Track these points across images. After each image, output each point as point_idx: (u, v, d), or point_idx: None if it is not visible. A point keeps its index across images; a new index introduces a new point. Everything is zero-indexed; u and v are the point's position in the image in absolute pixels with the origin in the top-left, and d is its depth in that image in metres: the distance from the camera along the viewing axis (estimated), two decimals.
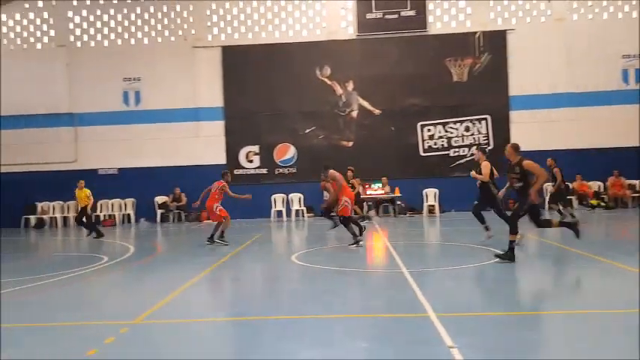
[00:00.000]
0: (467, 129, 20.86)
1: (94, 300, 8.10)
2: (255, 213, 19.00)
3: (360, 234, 12.38)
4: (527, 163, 9.11)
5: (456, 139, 20.88)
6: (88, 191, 15.86)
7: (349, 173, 18.04)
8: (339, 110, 21.15)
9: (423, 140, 20.95)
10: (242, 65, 21.00)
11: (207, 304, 7.74)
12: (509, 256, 9.14)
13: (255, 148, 21.13)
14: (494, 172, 11.68)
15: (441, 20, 21.27)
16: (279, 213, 19.96)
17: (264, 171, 20.89)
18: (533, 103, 20.57)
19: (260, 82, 20.96)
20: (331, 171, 12.39)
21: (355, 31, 21.18)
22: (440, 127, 20.91)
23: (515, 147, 9.48)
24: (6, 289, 8.80)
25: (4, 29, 21.72)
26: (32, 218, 20.70)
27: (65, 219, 20.89)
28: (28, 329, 6.44)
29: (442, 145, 20.92)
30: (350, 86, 21.13)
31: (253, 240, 13.99)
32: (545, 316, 6.30)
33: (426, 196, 20.37)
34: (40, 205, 21.00)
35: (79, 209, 16.20)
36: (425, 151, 20.65)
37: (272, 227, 17.30)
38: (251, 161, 21.11)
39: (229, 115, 21.12)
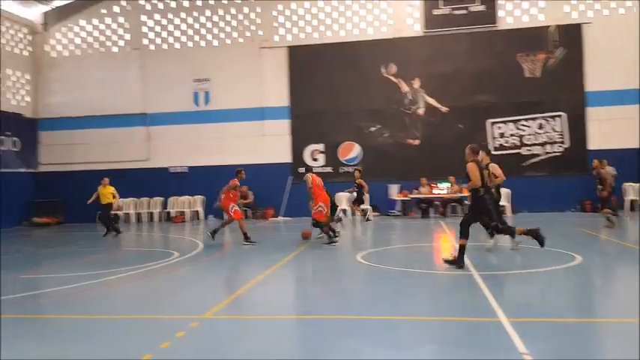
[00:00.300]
0: (540, 126, 20.08)
1: (166, 294, 8.34)
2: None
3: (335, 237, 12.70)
4: (468, 166, 8.87)
5: (529, 137, 20.15)
6: (112, 189, 16.29)
7: (357, 173, 18.22)
8: (405, 108, 20.88)
9: (493, 138, 20.34)
10: (308, 64, 21.12)
11: (273, 302, 7.80)
12: (458, 261, 8.93)
13: (320, 147, 21.21)
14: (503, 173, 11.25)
15: (512, 14, 20.58)
16: (344, 212, 19.89)
17: (328, 169, 20.92)
18: (611, 100, 19.53)
19: (325, 80, 21.01)
20: (307, 175, 13.02)
21: (422, 28, 20.84)
22: (511, 124, 20.23)
23: (472, 149, 9.16)
24: (83, 282, 9.22)
25: (84, 34, 22.80)
26: None
27: (138, 215, 21.71)
28: (105, 321, 6.71)
29: (513, 143, 20.23)
30: (416, 84, 20.81)
31: (318, 238, 14.01)
32: (623, 324, 5.94)
33: None
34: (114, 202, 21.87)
35: (103, 206, 16.29)
36: (495, 149, 20.04)
37: (336, 226, 17.24)
38: (316, 159, 21.20)
39: (295, 113, 21.30)
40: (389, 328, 5.91)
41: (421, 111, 20.85)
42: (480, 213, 9.13)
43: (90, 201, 16.13)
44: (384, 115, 20.83)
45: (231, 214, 13.46)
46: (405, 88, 20.86)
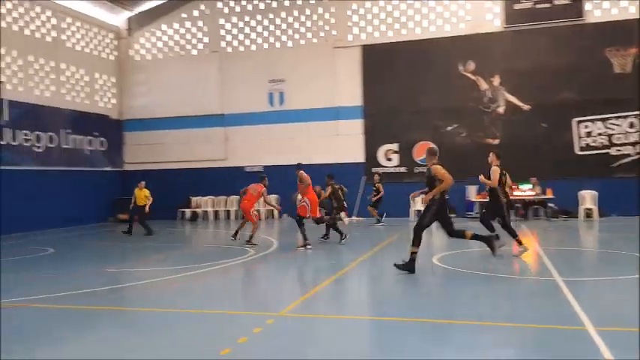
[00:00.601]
0: (631, 125, 18.87)
1: (243, 291, 8.46)
2: (394, 212, 18.72)
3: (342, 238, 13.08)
4: (434, 168, 8.61)
5: (618, 136, 18.97)
6: (147, 191, 16.70)
7: (376, 177, 18.43)
8: (484, 106, 20.23)
9: (580, 137, 19.30)
10: (382, 63, 20.91)
11: (349, 302, 7.73)
12: (408, 267, 8.79)
13: (395, 147, 20.92)
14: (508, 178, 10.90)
15: (600, 7, 19.47)
16: (419, 212, 19.42)
17: (403, 169, 20.60)
18: None
19: (400, 79, 20.71)
20: (300, 172, 13.10)
21: (502, 23, 20.12)
22: (599, 123, 19.12)
23: (431, 150, 9.02)
24: (164, 277, 9.51)
25: (165, 38, 23.69)
26: (187, 211, 22.36)
27: (216, 213, 22.28)
28: (184, 315, 6.86)
29: (602, 143, 19.11)
30: (496, 81, 20.12)
31: (393, 239, 13.81)
32: None
33: (582, 198, 18.74)
34: (193, 200, 22.63)
35: (137, 207, 16.63)
36: (581, 149, 19.01)
37: (411, 227, 16.95)
38: (390, 160, 20.94)
39: (368, 113, 21.13)
40: (468, 333, 5.69)
41: (501, 109, 20.12)
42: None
43: (131, 205, 16.74)
44: (462, 114, 20.26)
45: (252, 217, 13.77)
46: (483, 85, 20.21)
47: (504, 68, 19.89)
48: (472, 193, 19.62)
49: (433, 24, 20.86)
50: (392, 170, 20.73)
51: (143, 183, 16.90)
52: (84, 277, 9.67)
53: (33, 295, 7.97)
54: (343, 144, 21.25)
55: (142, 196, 16.65)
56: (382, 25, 21.31)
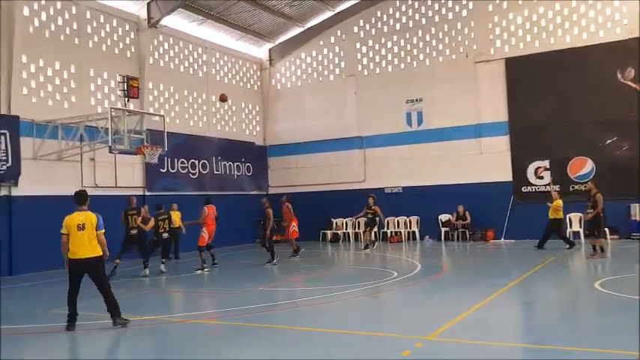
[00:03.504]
0: None
1: (389, 313, 8.32)
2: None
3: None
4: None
5: None
6: (179, 214, 16.46)
7: (371, 200, 17.98)
8: None
9: None
10: (528, 75, 19.78)
11: (499, 327, 7.27)
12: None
13: (546, 163, 19.54)
14: None
15: None
16: (576, 234, 17.90)
17: (556, 187, 19.11)
18: None
19: (549, 91, 19.40)
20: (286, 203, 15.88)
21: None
22: None
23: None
24: (312, 296, 9.67)
25: (304, 65, 24.59)
26: (328, 233, 22.73)
27: (357, 234, 22.38)
28: (331, 335, 6.88)
29: None
30: None
31: (547, 262, 12.85)
32: None
33: None
34: (334, 221, 22.97)
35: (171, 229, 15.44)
36: None
37: (569, 250, 15.71)
38: (541, 177, 19.57)
39: (515, 128, 20.03)
40: None
41: None
42: None
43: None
44: (622, 126, 18.38)
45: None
46: None
47: None
48: (637, 211, 17.71)
49: (585, 30, 19.38)
50: (543, 189, 19.35)
51: (176, 205, 16.64)
52: (238, 296, 10.15)
53: (195, 311, 8.49)
54: (487, 162, 20.31)
55: (177, 218, 16.42)
56: (527, 36, 20.23)
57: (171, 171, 19.83)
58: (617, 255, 14.51)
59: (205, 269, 13.50)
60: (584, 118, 18.76)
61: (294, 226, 16.19)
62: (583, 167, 18.86)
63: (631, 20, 18.62)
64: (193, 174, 20.86)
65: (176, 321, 7.91)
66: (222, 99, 16.99)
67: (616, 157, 18.43)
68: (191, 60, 21.51)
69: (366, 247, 18.33)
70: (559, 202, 16.28)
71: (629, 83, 18.20)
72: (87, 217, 7.63)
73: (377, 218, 18.35)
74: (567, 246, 15.91)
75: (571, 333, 6.66)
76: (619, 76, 18.28)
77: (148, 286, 11.88)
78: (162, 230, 13.69)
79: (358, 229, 22.41)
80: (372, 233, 18.91)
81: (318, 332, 7.05)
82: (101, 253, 7.63)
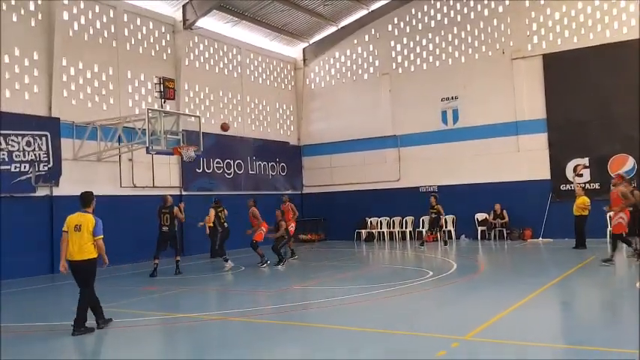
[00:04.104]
0: None
1: (425, 312, 8.27)
2: (590, 232, 16.87)
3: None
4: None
5: None
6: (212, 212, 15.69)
7: (433, 200, 18.29)
8: None
9: None
10: (567, 72, 19.34)
11: (538, 328, 7.13)
12: None
13: (585, 161, 19.09)
14: None
15: None
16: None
17: (596, 186, 18.66)
18: None
19: (588, 87, 18.93)
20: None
21: None
22: None
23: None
24: (346, 295, 9.69)
25: (338, 65, 24.58)
26: (363, 232, 22.68)
27: (391, 233, 22.28)
28: (366, 334, 6.88)
29: None
30: None
31: (588, 261, 12.57)
32: None
33: None
34: (369, 220, 22.91)
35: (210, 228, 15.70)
36: None
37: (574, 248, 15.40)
38: (580, 175, 19.12)
39: (553, 126, 19.62)
40: None
41: None
42: None
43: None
44: None
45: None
46: None
47: None
48: None
49: (625, 25, 18.83)
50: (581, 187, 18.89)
51: (219, 202, 15.97)
52: (273, 295, 10.24)
53: (231, 309, 8.60)
54: (525, 160, 19.95)
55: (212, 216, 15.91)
56: (565, 31, 19.78)
57: (207, 171, 20.11)
58: None
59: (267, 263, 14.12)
60: (624, 114, 18.24)
61: (262, 230, 14.76)
62: (624, 164, 18.34)
63: None
64: (229, 174, 21.10)
65: (214, 319, 8.03)
66: (224, 128, 17.26)
67: None
68: (226, 61, 21.75)
69: (422, 243, 18.55)
70: (584, 200, 15.91)
71: None
72: (85, 219, 7.45)
73: (440, 217, 18.50)
74: (574, 245, 15.71)
75: (612, 333, 6.51)
76: None
77: (187, 283, 12.07)
78: (224, 221, 14.21)
79: (393, 228, 22.32)
80: (438, 232, 19.13)
81: (353, 331, 7.06)
82: (92, 257, 7.43)
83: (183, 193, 18.96)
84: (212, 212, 14.69)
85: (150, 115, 14.68)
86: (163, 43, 19.07)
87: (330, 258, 15.64)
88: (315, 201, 24.10)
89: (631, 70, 18.21)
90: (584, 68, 18.98)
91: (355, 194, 23.09)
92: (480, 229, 20.32)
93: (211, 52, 21.06)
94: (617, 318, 7.65)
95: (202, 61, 20.68)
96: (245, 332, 7.28)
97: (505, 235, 19.63)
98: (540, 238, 18.89)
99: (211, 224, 14.93)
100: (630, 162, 18.28)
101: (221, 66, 21.52)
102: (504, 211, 19.82)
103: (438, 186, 21.55)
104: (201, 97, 20.60)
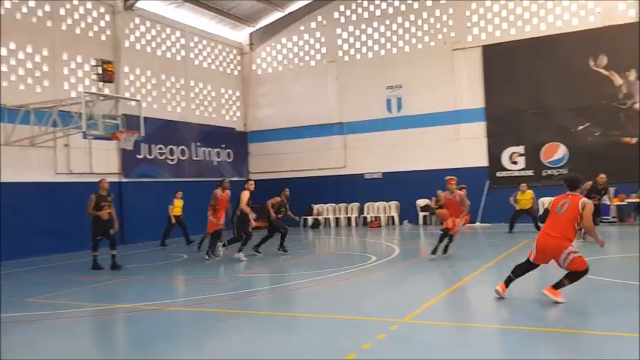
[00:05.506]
0: None
1: (367, 296, 8.45)
2: (522, 217, 17.66)
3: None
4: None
5: None
6: (182, 202, 16.53)
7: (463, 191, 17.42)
8: (619, 103, 18.64)
9: None
10: (504, 63, 20.01)
11: (474, 309, 7.46)
12: None
13: (520, 149, 19.89)
14: None
15: None
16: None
17: (529, 173, 19.49)
18: None
19: (524, 78, 19.68)
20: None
21: (638, 13, 18.44)
22: None
23: None
24: (291, 281, 9.78)
25: (285, 51, 24.48)
26: (309, 219, 22.83)
27: (337, 220, 22.53)
28: (310, 319, 6.99)
29: None
30: (632, 75, 18.48)
31: (522, 245, 13.13)
32: None
33: None
34: (315, 207, 23.07)
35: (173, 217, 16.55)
36: None
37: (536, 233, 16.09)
38: (515, 163, 19.92)
39: (491, 115, 20.30)
40: (605, 344, 5.23)
41: (638, 105, 18.44)
42: None
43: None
44: (594, 112, 18.81)
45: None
46: (618, 80, 18.64)
47: None
48: (608, 196, 18.12)
49: (559, 19, 19.62)
50: (517, 174, 19.71)
51: (180, 193, 16.82)
52: (219, 283, 10.21)
53: (174, 298, 8.53)
54: (465, 148, 20.57)
55: (179, 205, 16.71)
56: (504, 24, 20.42)
57: (149, 157, 19.66)
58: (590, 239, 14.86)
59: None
60: (558, 104, 19.14)
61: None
62: (556, 152, 19.23)
63: (605, 8, 18.89)
64: (172, 160, 20.72)
65: (155, 309, 7.94)
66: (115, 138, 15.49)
67: (588, 143, 18.83)
68: (169, 44, 21.27)
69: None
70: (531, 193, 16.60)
71: (601, 70, 18.57)
72: None
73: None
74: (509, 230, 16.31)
75: (542, 313, 6.83)
76: (591, 63, 18.65)
77: (126, 273, 11.84)
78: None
79: (339, 214, 22.57)
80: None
81: (296, 317, 7.17)
82: None
83: (123, 179, 18.48)
84: (246, 194, 13.21)
85: (87, 98, 14.15)
86: (102, 24, 18.44)
87: (275, 245, 15.64)
88: (262, 188, 23.97)
89: (564, 61, 19.05)
90: (520, 59, 19.73)
91: (302, 181, 23.15)
92: (422, 214, 20.83)
93: (153, 34, 20.54)
94: (545, 299, 8.03)
95: (144, 43, 20.15)
96: (186, 322, 7.23)
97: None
98: (478, 223, 19.56)
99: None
100: (562, 150, 19.17)
101: (164, 49, 21.03)
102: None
103: (383, 173, 21.94)
104: (143, 80, 20.08)
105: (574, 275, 6.92)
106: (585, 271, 6.91)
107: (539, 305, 7.04)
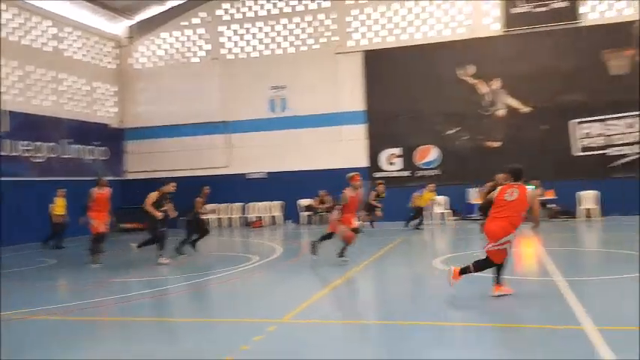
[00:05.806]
0: (629, 125, 18.88)
1: (245, 298, 8.45)
2: (398, 216, 18.57)
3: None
4: None
5: (618, 136, 18.99)
6: (64, 201, 16.13)
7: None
8: (484, 110, 20.25)
9: (578, 139, 19.33)
10: (383, 68, 20.94)
11: (352, 306, 7.74)
12: None
13: (397, 151, 20.94)
14: None
15: (596, 10, 19.56)
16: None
17: (406, 174, 20.61)
18: None
19: (402, 84, 20.74)
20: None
21: (501, 27, 20.16)
22: (597, 124, 19.14)
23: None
24: (169, 285, 9.54)
25: (166, 46, 23.75)
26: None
27: (219, 220, 22.26)
28: (187, 324, 6.89)
29: (600, 144, 19.14)
30: (495, 84, 20.14)
31: (396, 244, 13.83)
32: None
33: (582, 199, 18.77)
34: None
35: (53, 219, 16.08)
36: (580, 150, 19.04)
37: (413, 231, 17.00)
38: (392, 164, 20.95)
39: (371, 118, 21.15)
40: (465, 335, 5.71)
41: (501, 112, 20.15)
42: None
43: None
44: (463, 118, 20.29)
45: None
46: (483, 89, 20.24)
47: (504, 72, 19.89)
48: (473, 195, 19.63)
49: (433, 29, 20.90)
50: (395, 175, 20.74)
51: (63, 192, 16.14)
52: (88, 289, 9.69)
53: (39, 307, 7.98)
54: (347, 149, 21.22)
55: (61, 205, 16.03)
56: (383, 31, 21.35)
57: (13, 154, 18.17)
58: (457, 234, 16.01)
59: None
60: (431, 109, 20.37)
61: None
62: (428, 154, 20.49)
63: (473, 21, 20.42)
64: (39, 157, 19.31)
65: (15, 318, 7.38)
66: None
67: (458, 147, 20.26)
68: (39, 32, 19.83)
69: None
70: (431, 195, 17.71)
71: (469, 79, 20.08)
72: None
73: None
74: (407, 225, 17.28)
75: (413, 307, 7.25)
76: (460, 72, 20.09)
77: None
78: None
79: (221, 214, 22.31)
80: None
81: (170, 323, 7.02)
82: None
83: None
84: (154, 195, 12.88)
85: None
86: None
87: (153, 247, 15.15)
88: (139, 188, 23.06)
89: (437, 69, 20.35)
90: (398, 66, 20.76)
91: (183, 180, 22.47)
92: (305, 214, 21.20)
93: (21, 21, 19.04)
94: (419, 293, 8.54)
95: (10, 31, 18.61)
96: (47, 332, 6.74)
97: (328, 219, 20.70)
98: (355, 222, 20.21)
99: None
100: (434, 152, 20.46)
101: (32, 38, 19.55)
102: (328, 197, 20.86)
103: (267, 172, 22.01)
104: (8, 71, 18.54)
105: (483, 263, 7.23)
106: (497, 266, 7.20)
107: (413, 300, 7.48)
